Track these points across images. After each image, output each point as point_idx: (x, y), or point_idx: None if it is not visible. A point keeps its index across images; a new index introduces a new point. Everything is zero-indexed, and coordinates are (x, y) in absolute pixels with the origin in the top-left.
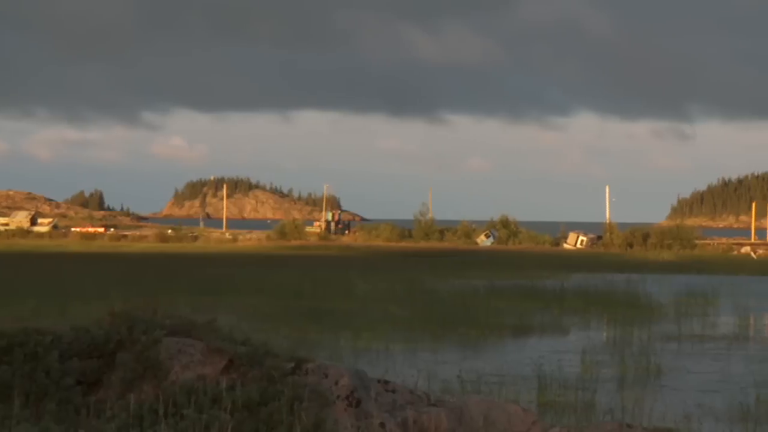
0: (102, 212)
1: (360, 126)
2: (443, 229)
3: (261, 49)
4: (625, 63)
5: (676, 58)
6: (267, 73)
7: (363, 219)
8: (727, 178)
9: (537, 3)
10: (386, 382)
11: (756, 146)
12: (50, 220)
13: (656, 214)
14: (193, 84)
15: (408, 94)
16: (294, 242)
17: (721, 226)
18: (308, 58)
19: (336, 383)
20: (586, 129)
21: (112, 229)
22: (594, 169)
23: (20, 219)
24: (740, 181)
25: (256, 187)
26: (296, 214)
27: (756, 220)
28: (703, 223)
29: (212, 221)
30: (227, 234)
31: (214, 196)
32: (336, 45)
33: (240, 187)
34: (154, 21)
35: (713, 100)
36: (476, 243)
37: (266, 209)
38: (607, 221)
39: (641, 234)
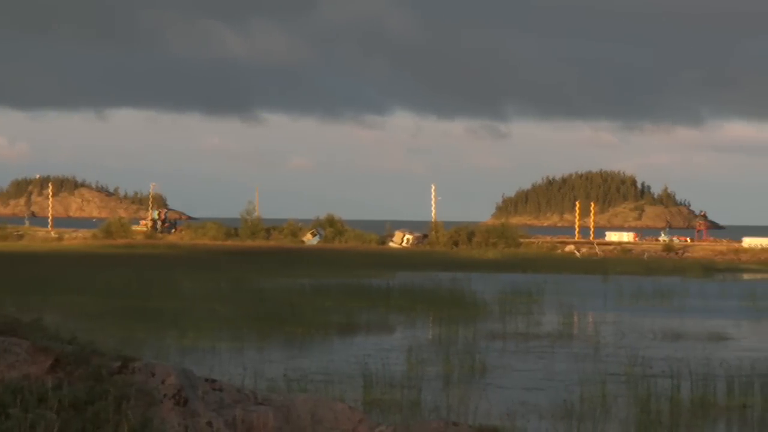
0: None
1: (176, 124)
2: (270, 227)
3: (69, 48)
4: (437, 62)
5: (489, 58)
6: (78, 71)
7: (189, 218)
8: (551, 177)
9: (340, 3)
10: (213, 381)
11: (574, 145)
12: None
13: (481, 212)
14: (6, 82)
15: (221, 92)
16: (120, 241)
17: (545, 224)
18: (118, 57)
19: (163, 382)
20: (404, 127)
21: None
22: (416, 168)
23: None
24: (564, 180)
25: (82, 185)
26: (122, 213)
27: (580, 218)
28: (528, 222)
29: (37, 220)
30: (53, 233)
31: (40, 194)
32: (144, 44)
33: (66, 185)
34: None
35: (527, 100)
36: (303, 242)
37: (92, 208)
38: (433, 220)
39: (466, 233)
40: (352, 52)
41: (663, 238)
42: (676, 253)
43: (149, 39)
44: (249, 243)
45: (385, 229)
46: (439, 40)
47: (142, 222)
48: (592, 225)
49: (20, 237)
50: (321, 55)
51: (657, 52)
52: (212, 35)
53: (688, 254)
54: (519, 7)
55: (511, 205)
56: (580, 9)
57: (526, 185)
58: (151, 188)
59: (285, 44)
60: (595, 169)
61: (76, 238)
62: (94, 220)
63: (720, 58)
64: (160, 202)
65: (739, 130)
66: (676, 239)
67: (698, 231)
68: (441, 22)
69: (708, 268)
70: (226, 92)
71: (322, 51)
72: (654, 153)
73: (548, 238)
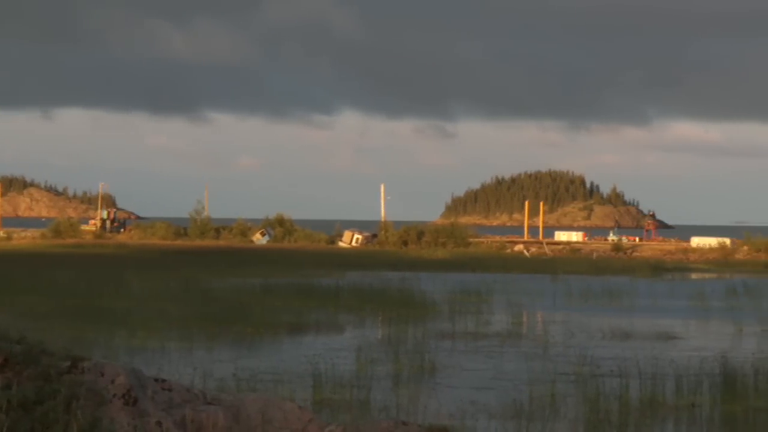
0: None
1: (123, 124)
2: (219, 227)
3: (13, 47)
4: (384, 62)
5: (435, 57)
6: (23, 70)
7: (139, 217)
8: (500, 177)
9: (285, 2)
10: (163, 381)
11: (521, 145)
12: None
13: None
14: None
15: (167, 92)
16: (69, 240)
17: (494, 224)
18: (64, 57)
19: (112, 382)
20: (352, 127)
21: None
22: (365, 167)
23: None
24: (513, 180)
25: (31, 185)
26: (71, 213)
27: (529, 218)
28: (477, 222)
29: None
30: (1, 232)
31: None
32: (90, 43)
33: (14, 185)
34: None
35: (474, 99)
36: (252, 241)
37: (41, 207)
38: (383, 219)
39: (416, 232)
40: (298, 52)
41: (612, 237)
42: (625, 253)
43: (95, 38)
44: (198, 242)
45: (334, 228)
46: (386, 40)
47: (91, 221)
48: (541, 224)
49: None
50: (267, 54)
51: (603, 52)
52: (158, 35)
53: (637, 254)
54: (465, 7)
55: (460, 205)
56: (526, 9)
57: (476, 185)
58: (101, 188)
59: (230, 44)
60: (543, 168)
61: (25, 238)
62: (44, 219)
63: (665, 59)
64: (109, 201)
65: (685, 130)
66: (625, 239)
67: (647, 231)
68: (387, 22)
69: (657, 268)
70: (172, 92)
71: (267, 50)
72: (602, 153)
73: (497, 238)
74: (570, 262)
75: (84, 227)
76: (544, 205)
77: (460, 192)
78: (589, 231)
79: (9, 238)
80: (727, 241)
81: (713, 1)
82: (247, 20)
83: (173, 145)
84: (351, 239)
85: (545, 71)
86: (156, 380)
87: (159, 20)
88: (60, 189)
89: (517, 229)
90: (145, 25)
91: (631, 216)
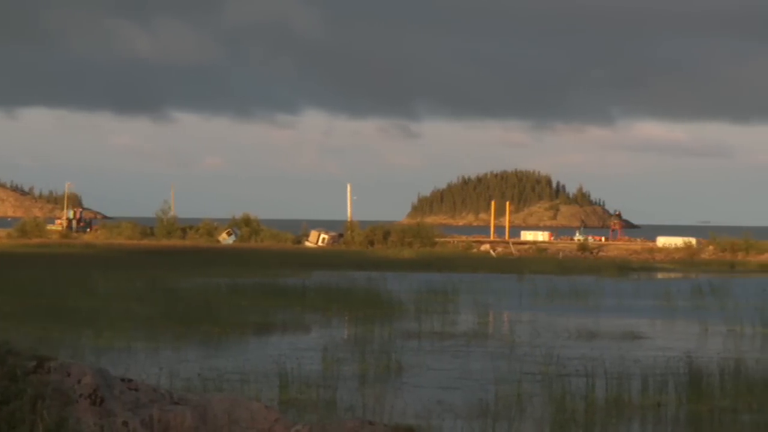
0: None
1: (87, 123)
2: (185, 227)
3: None
4: (347, 61)
5: (399, 57)
6: None
7: (105, 217)
8: (466, 177)
9: (247, 1)
10: (129, 381)
11: (486, 144)
12: None
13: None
14: None
15: (131, 91)
16: (35, 240)
17: (461, 224)
18: (26, 56)
19: (79, 382)
20: (316, 126)
21: None
22: (331, 167)
23: None
24: (480, 180)
25: None
26: (37, 212)
27: (495, 218)
28: (444, 221)
29: None
30: None
31: None
32: (52, 42)
33: None
34: None
35: (438, 99)
36: (218, 241)
37: (6, 207)
38: (349, 219)
39: (382, 232)
40: (261, 52)
41: (578, 237)
42: (591, 253)
43: (58, 38)
44: (165, 242)
45: (301, 228)
46: (349, 40)
47: (58, 221)
48: (507, 224)
49: None
50: (230, 54)
51: (566, 52)
52: (120, 34)
53: (603, 253)
54: (429, 7)
55: (426, 205)
56: (489, 9)
57: (442, 185)
58: (67, 187)
59: (193, 43)
60: (509, 168)
61: None
62: (9, 219)
63: (629, 59)
64: (75, 201)
65: (650, 129)
66: (591, 238)
67: (613, 230)
68: (351, 22)
69: (623, 268)
70: (135, 91)
71: (231, 50)
72: (568, 152)
73: (464, 238)
74: (536, 261)
75: (50, 227)
76: (510, 204)
77: (427, 192)
78: (555, 231)
79: None
80: (693, 240)
81: (676, 1)
82: (210, 20)
83: (138, 145)
84: (317, 239)
85: (509, 71)
86: (122, 380)
87: (121, 20)
88: (26, 189)
89: (484, 229)
90: (107, 24)
91: (597, 216)
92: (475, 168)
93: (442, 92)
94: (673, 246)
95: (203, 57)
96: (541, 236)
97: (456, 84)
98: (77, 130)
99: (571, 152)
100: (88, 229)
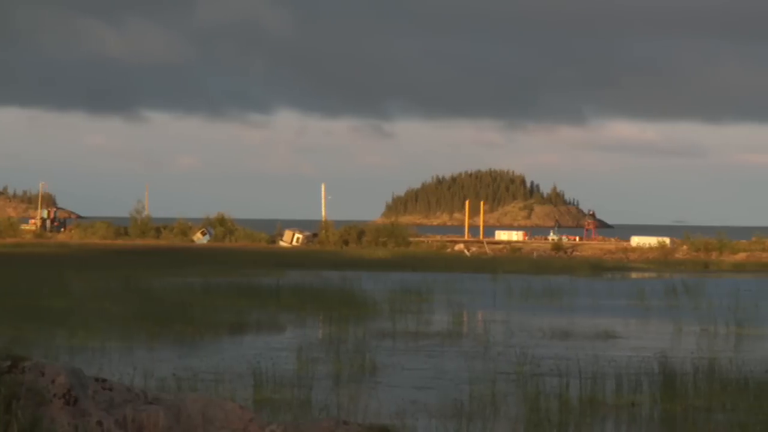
0: None
1: (60, 123)
2: (159, 226)
3: None
4: (320, 61)
5: (371, 57)
6: None
7: (79, 216)
8: (441, 177)
9: (218, 1)
10: (103, 381)
11: (459, 144)
12: None
13: (372, 212)
14: None
15: (103, 91)
16: (9, 240)
17: (435, 223)
18: None
19: (53, 381)
20: (289, 126)
21: None
22: (304, 167)
23: None
24: (454, 179)
25: None
26: (11, 212)
27: (470, 217)
28: (418, 221)
29: None
30: None
31: None
32: (23, 42)
33: None
34: None
35: (410, 99)
36: (193, 241)
37: None
38: (323, 219)
39: (356, 232)
40: (233, 51)
41: (552, 236)
42: (565, 252)
43: (29, 37)
44: (139, 242)
45: (275, 228)
46: (322, 39)
47: (32, 221)
48: (481, 224)
49: None
50: (202, 53)
51: (538, 52)
52: (93, 34)
53: (577, 253)
54: (401, 7)
55: (401, 204)
56: (462, 9)
57: (416, 184)
58: (41, 187)
59: (165, 43)
60: (484, 168)
61: None
62: None
63: (601, 59)
64: (49, 201)
65: (622, 129)
66: (565, 238)
67: (587, 230)
68: (323, 21)
69: (597, 267)
70: (108, 91)
71: (202, 50)
72: (542, 152)
73: (438, 237)
74: (510, 261)
75: (24, 226)
76: (484, 204)
77: (401, 191)
78: (529, 230)
79: None
80: (667, 240)
81: (649, 1)
82: (182, 19)
83: (111, 145)
84: (292, 239)
85: (482, 71)
86: (96, 380)
87: (92, 19)
88: (0, 188)
89: (458, 229)
90: (80, 23)
91: (571, 215)
92: (449, 167)
93: (414, 92)
94: (647, 246)
95: (175, 56)
96: (516, 236)
97: (428, 84)
98: (51, 129)
99: (545, 152)
100: (62, 229)
